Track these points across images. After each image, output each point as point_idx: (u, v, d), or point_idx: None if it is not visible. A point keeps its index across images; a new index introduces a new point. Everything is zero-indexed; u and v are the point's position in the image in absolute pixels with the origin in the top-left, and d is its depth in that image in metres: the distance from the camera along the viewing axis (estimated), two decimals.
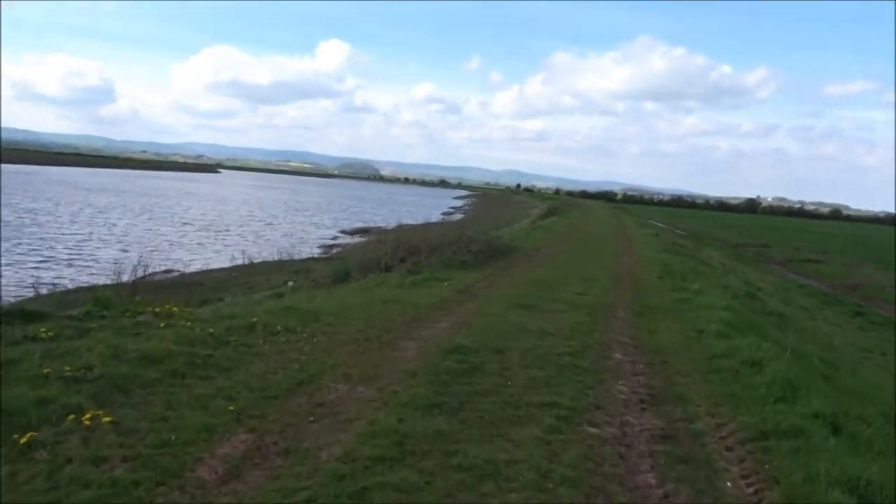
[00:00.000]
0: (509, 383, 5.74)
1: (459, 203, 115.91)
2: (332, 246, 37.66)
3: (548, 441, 4.53)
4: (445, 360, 6.28)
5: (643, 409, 5.68)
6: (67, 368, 4.92)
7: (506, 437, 4.54)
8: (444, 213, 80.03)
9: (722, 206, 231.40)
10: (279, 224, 47.66)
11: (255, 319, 7.08)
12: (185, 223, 40.96)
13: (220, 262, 27.66)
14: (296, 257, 28.79)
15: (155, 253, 28.35)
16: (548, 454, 4.31)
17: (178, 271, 25.10)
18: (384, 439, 4.29)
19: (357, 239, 42.34)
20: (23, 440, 3.82)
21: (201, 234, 36.77)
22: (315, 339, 6.89)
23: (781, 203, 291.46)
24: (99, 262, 24.24)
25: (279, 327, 7.04)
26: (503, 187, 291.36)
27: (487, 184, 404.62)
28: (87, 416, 4.22)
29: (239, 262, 26.42)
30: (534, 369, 6.26)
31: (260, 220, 48.79)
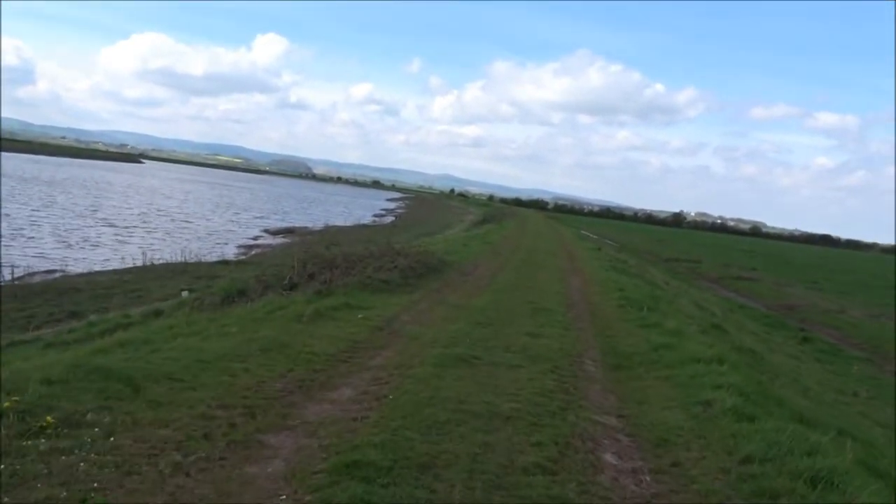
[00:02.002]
0: None
1: (392, 205, 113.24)
2: (252, 246, 34.64)
3: None
4: (331, 500, 3.49)
5: None
6: None
7: None
8: (376, 215, 77.17)
9: (649, 219, 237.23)
10: (198, 221, 43.81)
11: (8, 403, 4.07)
12: (89, 217, 36.66)
13: (118, 262, 24.29)
14: (205, 259, 25.57)
15: (44, 250, 24.65)
16: None
17: (63, 272, 21.51)
18: None
19: (280, 240, 39.46)
20: None
21: (106, 229, 32.73)
22: (112, 442, 3.95)
23: (704, 218, 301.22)
24: None
25: (49, 418, 4.05)
26: (437, 191, 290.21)
27: (421, 187, 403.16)
28: None
29: (139, 263, 23.06)
30: None
31: (177, 217, 44.63)
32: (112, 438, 4.01)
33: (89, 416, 4.24)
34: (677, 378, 7.15)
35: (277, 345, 6.76)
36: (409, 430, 4.61)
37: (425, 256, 15.25)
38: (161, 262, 23.31)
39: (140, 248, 26.73)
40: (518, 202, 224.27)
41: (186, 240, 32.71)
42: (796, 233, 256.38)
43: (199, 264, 23.77)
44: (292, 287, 11.61)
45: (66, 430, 3.99)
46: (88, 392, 4.61)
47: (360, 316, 8.66)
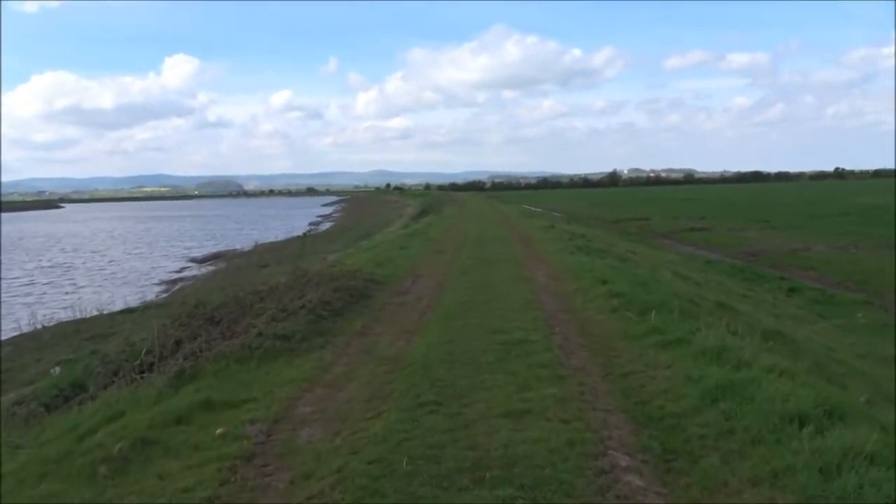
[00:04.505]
0: None
1: (328, 210, 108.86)
2: (177, 280, 30.68)
3: None
4: None
5: None
6: None
7: None
8: (312, 223, 73.12)
9: (586, 182, 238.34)
10: (120, 263, 39.14)
11: None
12: None
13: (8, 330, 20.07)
14: (108, 309, 21.52)
15: None
16: None
17: None
18: None
19: (207, 268, 35.65)
20: None
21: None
22: None
23: (637, 174, 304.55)
24: None
25: None
26: (372, 189, 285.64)
27: (356, 187, 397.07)
28: None
29: (24, 328, 18.92)
30: None
31: (94, 263, 39.62)
32: None
33: None
34: (790, 481, 3.78)
35: None
36: None
37: (348, 279, 11.61)
38: (54, 322, 19.30)
39: (43, 308, 22.39)
40: (455, 187, 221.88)
41: (102, 287, 28.43)
42: (727, 174, 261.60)
43: (96, 319, 19.75)
44: (149, 368, 7.88)
45: None
46: None
47: (218, 431, 5.00)
